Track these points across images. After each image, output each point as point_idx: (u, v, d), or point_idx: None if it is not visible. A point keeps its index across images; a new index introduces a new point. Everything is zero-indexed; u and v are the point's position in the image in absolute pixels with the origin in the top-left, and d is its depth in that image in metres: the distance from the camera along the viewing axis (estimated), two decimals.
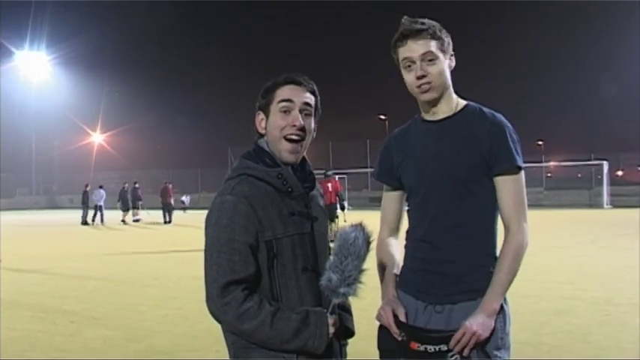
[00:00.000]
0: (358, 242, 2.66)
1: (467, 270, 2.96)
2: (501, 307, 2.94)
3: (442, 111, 3.07)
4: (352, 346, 3.11)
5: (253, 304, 2.56)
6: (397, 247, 3.27)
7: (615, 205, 44.91)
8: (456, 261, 2.97)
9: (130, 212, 38.53)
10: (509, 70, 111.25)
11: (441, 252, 3.02)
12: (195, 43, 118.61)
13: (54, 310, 10.58)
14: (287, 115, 2.77)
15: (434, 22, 3.03)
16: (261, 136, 2.85)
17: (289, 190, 2.73)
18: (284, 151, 2.78)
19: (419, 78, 2.97)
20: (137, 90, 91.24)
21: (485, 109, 3.08)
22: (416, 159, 3.11)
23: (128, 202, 38.30)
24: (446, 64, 3.03)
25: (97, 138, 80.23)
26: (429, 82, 2.97)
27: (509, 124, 3.03)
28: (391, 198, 3.30)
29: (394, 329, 2.96)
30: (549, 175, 59.29)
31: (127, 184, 39.46)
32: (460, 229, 2.99)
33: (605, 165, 47.17)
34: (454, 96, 3.11)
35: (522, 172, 3.00)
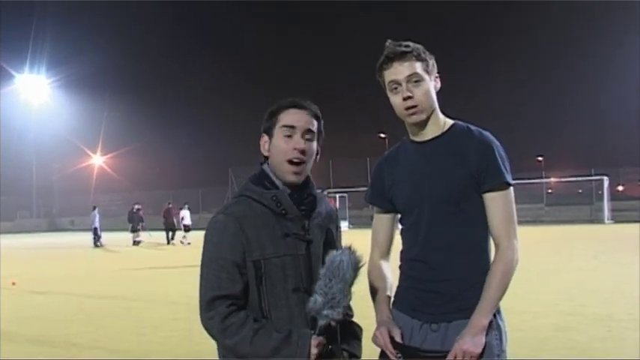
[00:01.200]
0: (343, 265, 2.66)
1: (461, 288, 2.97)
2: (496, 323, 2.95)
3: (430, 131, 3.09)
4: None
5: (237, 320, 2.65)
6: (389, 269, 3.27)
7: (616, 220, 44.92)
8: (451, 279, 2.98)
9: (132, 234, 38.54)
10: (508, 86, 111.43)
11: (435, 271, 3.03)
12: (196, 63, 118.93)
13: (54, 334, 10.54)
14: (289, 140, 2.83)
15: (418, 45, 3.07)
16: (266, 158, 2.92)
17: (283, 212, 2.78)
18: (286, 172, 2.84)
19: (405, 99, 3.00)
20: (137, 111, 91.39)
21: (473, 127, 3.10)
22: (407, 180, 3.13)
23: (137, 223, 38.17)
24: (431, 85, 3.06)
25: (98, 160, 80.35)
26: (415, 105, 3.00)
27: (496, 141, 3.05)
28: (383, 220, 3.33)
29: (390, 349, 2.98)
30: (550, 191, 59.25)
31: (136, 206, 39.28)
32: (453, 247, 3.00)
33: (606, 180, 47.22)
34: (441, 116, 3.12)
35: (511, 189, 3.01)
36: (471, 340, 2.82)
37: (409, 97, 2.99)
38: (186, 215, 38.38)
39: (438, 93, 3.12)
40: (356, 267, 2.70)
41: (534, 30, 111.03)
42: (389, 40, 3.09)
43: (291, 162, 2.82)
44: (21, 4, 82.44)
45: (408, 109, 3.01)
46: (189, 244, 33.75)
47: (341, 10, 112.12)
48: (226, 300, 2.68)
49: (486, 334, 2.88)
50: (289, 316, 2.74)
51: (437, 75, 3.10)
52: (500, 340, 2.97)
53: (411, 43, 3.05)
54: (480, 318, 2.87)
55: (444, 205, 3.00)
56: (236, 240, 2.71)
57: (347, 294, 2.68)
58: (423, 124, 3.07)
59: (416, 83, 3.00)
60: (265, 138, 2.89)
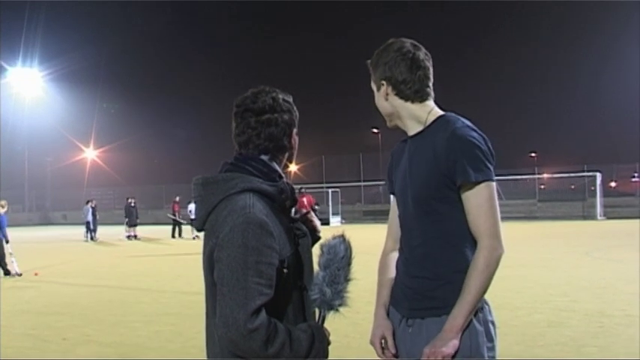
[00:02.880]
0: (348, 254, 2.70)
1: (433, 286, 2.93)
2: (474, 326, 2.89)
3: (412, 128, 3.08)
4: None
5: (273, 327, 2.48)
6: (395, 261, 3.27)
7: (609, 216, 44.99)
8: (424, 277, 2.96)
9: (126, 228, 38.53)
10: (502, 83, 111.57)
11: (411, 267, 3.03)
12: (190, 57, 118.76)
13: (46, 327, 10.53)
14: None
15: (373, 55, 3.13)
16: (259, 151, 2.77)
17: (287, 204, 2.72)
18: (290, 162, 2.91)
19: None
20: (131, 106, 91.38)
21: (453, 120, 2.99)
22: (398, 176, 3.16)
23: (134, 217, 38.08)
24: (379, 95, 3.12)
25: (91, 154, 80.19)
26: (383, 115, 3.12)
27: (470, 136, 2.89)
28: (394, 205, 3.31)
29: (391, 354, 3.02)
30: (543, 186, 59.32)
31: (132, 200, 39.16)
32: (427, 245, 2.97)
33: (599, 176, 47.26)
34: (418, 112, 3.06)
35: (485, 185, 2.87)
36: (442, 342, 2.79)
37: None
38: (193, 209, 38.20)
39: (435, 87, 3.10)
40: (352, 252, 2.74)
41: (528, 27, 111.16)
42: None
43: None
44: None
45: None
46: (197, 237, 33.54)
47: (334, 7, 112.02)
48: (265, 307, 2.47)
49: (461, 335, 2.84)
50: (294, 313, 2.69)
51: (383, 80, 3.07)
52: (474, 341, 2.89)
53: (370, 59, 3.14)
54: (455, 319, 2.82)
55: (418, 203, 2.98)
56: (272, 241, 2.52)
57: (348, 280, 2.70)
58: (403, 126, 3.13)
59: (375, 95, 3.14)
60: (294, 134, 2.85)
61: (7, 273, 18.34)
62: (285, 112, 2.76)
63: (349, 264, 2.70)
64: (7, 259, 18.62)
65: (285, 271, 2.58)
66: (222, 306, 2.45)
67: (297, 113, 2.85)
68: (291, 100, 2.84)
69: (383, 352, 3.06)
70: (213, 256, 2.55)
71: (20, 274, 18.26)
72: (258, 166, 2.70)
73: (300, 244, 2.77)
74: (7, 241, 18.71)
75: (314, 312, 2.79)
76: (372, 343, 3.11)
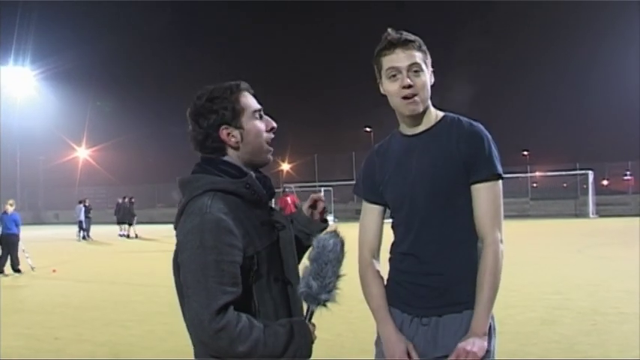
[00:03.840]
0: (337, 248, 2.66)
1: (452, 282, 2.94)
2: (491, 326, 2.94)
3: (422, 125, 3.07)
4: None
5: (244, 323, 2.43)
6: (380, 269, 3.23)
7: (601, 214, 45.13)
8: (442, 273, 2.96)
9: (119, 227, 38.54)
10: (493, 80, 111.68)
11: (426, 265, 3.00)
12: (185, 55, 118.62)
13: (39, 327, 10.51)
14: (262, 121, 2.79)
15: (412, 35, 3.04)
16: (222, 151, 2.75)
17: (257, 198, 2.69)
18: (265, 152, 2.80)
19: (405, 87, 2.95)
20: (124, 104, 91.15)
21: (463, 119, 3.08)
22: (399, 174, 3.10)
23: (131, 216, 38.10)
24: (428, 76, 3.03)
25: (83, 153, 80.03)
26: (414, 94, 2.96)
27: (486, 132, 3.02)
28: (373, 215, 3.27)
29: None
30: (535, 185, 59.46)
31: (127, 199, 39.16)
32: (444, 241, 2.97)
33: (591, 174, 47.42)
34: (432, 109, 3.09)
35: (499, 182, 2.98)
36: (476, 345, 2.79)
37: (410, 86, 2.95)
38: None
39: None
40: (343, 249, 2.70)
41: (520, 25, 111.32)
42: (390, 29, 3.06)
43: (267, 142, 2.80)
44: None
45: (406, 97, 2.97)
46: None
47: (328, 5, 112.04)
48: (232, 305, 2.44)
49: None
50: (274, 308, 2.65)
51: (432, 70, 3.07)
52: (490, 336, 2.94)
53: (413, 36, 3.03)
54: (482, 322, 2.85)
55: (434, 199, 2.97)
56: (233, 238, 2.49)
57: (338, 276, 2.66)
58: (418, 117, 3.04)
59: (416, 73, 2.96)
60: (229, 130, 2.72)
61: (14, 270, 18.79)
62: (212, 112, 2.70)
63: (339, 259, 2.67)
64: (21, 255, 19.20)
65: (254, 267, 2.56)
66: (189, 308, 2.47)
67: (232, 105, 2.72)
68: (220, 94, 2.73)
69: None
70: (178, 259, 2.56)
71: (33, 268, 19.01)
72: (217, 165, 2.71)
73: (280, 237, 2.75)
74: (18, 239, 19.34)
75: (302, 307, 2.77)
76: (391, 355, 3.02)
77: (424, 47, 3.04)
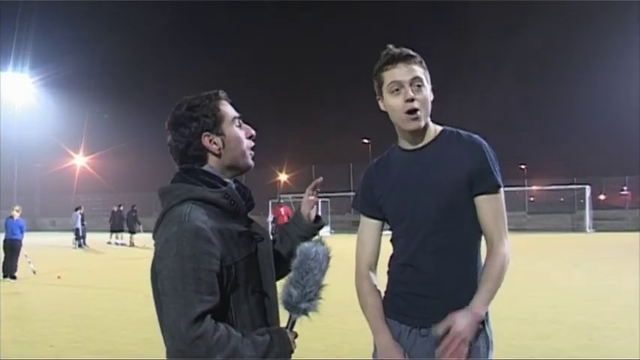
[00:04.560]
0: (319, 257, 2.67)
1: (452, 292, 2.96)
2: (485, 332, 2.95)
3: (422, 139, 3.11)
4: None
5: (222, 332, 2.43)
6: (378, 282, 3.25)
7: (598, 229, 45.15)
8: (442, 283, 2.98)
9: (114, 235, 38.55)
10: (491, 94, 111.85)
11: (426, 275, 3.02)
12: (184, 62, 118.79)
13: (33, 334, 10.49)
14: (241, 129, 2.81)
15: (412, 50, 3.10)
16: (199, 160, 2.75)
17: (236, 209, 2.68)
18: (248, 158, 2.81)
19: (408, 101, 2.98)
20: (122, 112, 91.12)
21: (462, 132, 3.13)
22: (400, 188, 3.12)
23: (134, 224, 38.14)
24: (429, 93, 3.07)
25: (80, 160, 79.93)
26: (417, 109, 2.98)
27: (486, 144, 3.07)
28: (370, 229, 3.29)
29: None
30: (532, 199, 59.55)
31: (121, 206, 39.21)
32: (445, 252, 2.99)
33: (588, 189, 47.44)
34: (431, 124, 3.13)
35: (501, 191, 3.04)
36: (469, 324, 2.79)
37: (412, 100, 2.98)
38: None
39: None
40: (329, 258, 2.72)
41: (517, 38, 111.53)
42: (390, 45, 3.10)
43: (249, 147, 2.82)
44: (4, 2, 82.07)
45: (409, 112, 3.00)
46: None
47: (327, 14, 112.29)
48: (209, 314, 2.43)
49: (474, 340, 2.88)
50: (251, 320, 2.63)
51: (431, 87, 3.11)
52: (488, 348, 2.96)
53: (412, 52, 3.08)
54: (480, 307, 2.87)
55: (438, 212, 3.00)
56: (210, 247, 2.48)
57: (321, 286, 2.67)
58: (419, 133, 3.08)
59: (418, 88, 3.01)
60: (211, 137, 2.73)
61: (10, 276, 18.91)
62: (193, 120, 2.71)
63: (322, 268, 2.67)
64: (23, 260, 19.47)
65: (232, 276, 2.56)
66: (166, 317, 2.47)
67: (213, 112, 2.74)
68: (200, 102, 2.75)
69: None
70: (155, 267, 2.56)
71: (34, 272, 19.46)
72: (197, 175, 2.70)
73: (258, 249, 2.74)
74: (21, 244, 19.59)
75: (278, 318, 2.77)
76: None
77: (424, 63, 3.08)
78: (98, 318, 11.95)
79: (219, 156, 2.73)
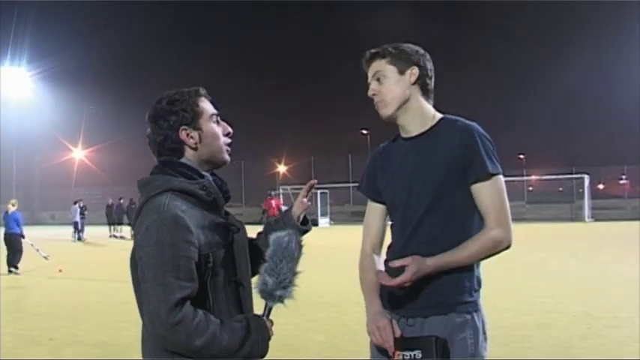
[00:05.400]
0: (291, 245, 2.72)
1: (440, 283, 2.95)
2: (473, 322, 2.93)
3: (415, 127, 3.13)
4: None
5: (200, 318, 2.51)
6: (380, 261, 3.26)
7: (597, 218, 45.16)
8: (429, 274, 2.97)
9: (113, 228, 38.66)
10: (490, 84, 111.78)
11: None
12: (181, 56, 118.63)
13: (33, 328, 10.51)
14: (218, 125, 2.86)
15: (390, 45, 3.16)
16: (177, 153, 2.80)
17: (213, 200, 2.74)
18: (224, 153, 2.86)
19: (371, 96, 3.15)
20: (121, 105, 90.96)
21: (460, 120, 3.12)
22: (396, 176, 3.16)
23: (114, 218, 38.25)
24: (401, 79, 3.12)
25: (79, 154, 79.91)
26: (380, 100, 3.12)
27: (481, 131, 3.06)
28: (375, 211, 3.33)
29: (390, 344, 2.93)
30: (531, 188, 59.42)
31: (122, 200, 39.33)
32: (435, 243, 2.99)
33: (587, 178, 47.44)
34: (426, 111, 3.15)
35: (498, 178, 3.01)
36: (417, 269, 2.87)
37: (373, 94, 3.14)
38: None
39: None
40: (301, 247, 2.77)
41: (515, 29, 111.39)
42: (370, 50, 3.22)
43: (226, 144, 2.87)
44: None
45: (375, 104, 3.16)
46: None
47: (326, 7, 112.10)
48: (187, 300, 2.50)
49: (461, 331, 2.88)
50: (227, 308, 2.69)
51: (413, 66, 3.13)
52: (477, 339, 2.94)
53: (386, 46, 3.16)
54: (431, 260, 2.90)
55: (430, 201, 3.01)
56: (189, 235, 2.55)
57: (295, 273, 2.71)
58: (402, 120, 3.15)
59: (379, 81, 3.13)
60: (188, 131, 2.77)
61: (14, 268, 19.03)
62: (172, 114, 2.76)
63: (294, 256, 2.72)
64: (30, 250, 19.71)
65: (209, 265, 2.62)
66: (147, 303, 2.54)
67: (192, 109, 2.79)
68: (180, 97, 2.80)
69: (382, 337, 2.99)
70: (135, 256, 2.64)
71: (46, 257, 19.84)
72: (175, 167, 2.76)
73: (234, 240, 2.80)
74: (22, 237, 19.67)
75: (252, 308, 2.83)
76: (373, 330, 3.04)
77: (393, 50, 3.14)
78: (97, 311, 11.97)
79: (195, 149, 2.79)
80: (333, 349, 8.26)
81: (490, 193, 2.97)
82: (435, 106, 3.19)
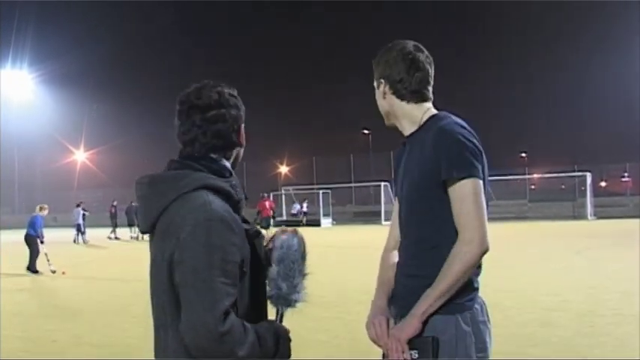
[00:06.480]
0: (300, 248, 2.67)
1: (424, 284, 2.89)
2: (460, 328, 2.88)
3: (407, 128, 3.13)
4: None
5: (241, 326, 2.36)
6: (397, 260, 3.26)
7: (599, 216, 45.13)
8: (416, 275, 2.96)
9: (132, 229, 38.83)
10: (492, 82, 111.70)
11: (405, 266, 3.06)
12: (183, 57, 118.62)
13: (36, 330, 10.51)
14: None
15: (383, 49, 3.18)
16: (230, 149, 2.68)
17: (239, 200, 2.58)
18: (237, 162, 2.78)
19: None
20: (120, 108, 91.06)
21: (441, 117, 3.05)
22: (398, 175, 3.19)
23: (134, 219, 38.30)
24: (378, 94, 3.19)
25: (81, 156, 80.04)
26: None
27: (456, 131, 2.92)
28: (397, 207, 3.30)
29: (385, 340, 2.91)
30: (533, 187, 59.45)
31: (133, 202, 39.40)
32: (421, 244, 2.98)
33: (589, 176, 47.43)
34: (413, 113, 3.10)
35: (468, 181, 2.85)
36: (400, 326, 2.85)
37: None
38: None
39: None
40: (305, 248, 2.72)
41: (518, 27, 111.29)
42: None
43: None
44: (3, 0, 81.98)
45: None
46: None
47: (327, 7, 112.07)
48: (233, 307, 2.35)
49: (444, 333, 2.84)
50: (251, 314, 2.52)
51: (382, 78, 3.13)
52: (462, 341, 2.87)
53: (379, 53, 3.18)
54: (418, 307, 2.84)
55: (411, 202, 3.02)
56: (235, 238, 2.40)
57: (304, 275, 2.67)
58: (399, 125, 3.18)
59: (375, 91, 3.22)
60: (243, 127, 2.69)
61: (34, 271, 19.48)
62: (232, 107, 2.63)
63: (303, 258, 2.66)
64: (43, 258, 19.67)
65: (244, 270, 2.46)
66: (189, 310, 2.32)
67: (244, 107, 2.71)
68: (236, 93, 2.69)
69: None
70: (174, 258, 2.39)
71: (54, 271, 19.14)
72: (208, 164, 2.57)
73: (255, 244, 2.61)
74: (41, 242, 20.19)
75: (267, 311, 2.72)
76: (369, 326, 3.03)
77: (376, 61, 3.17)
78: (101, 312, 11.97)
79: (240, 148, 2.73)
80: (336, 349, 8.26)
81: (457, 197, 2.86)
82: (435, 102, 3.16)
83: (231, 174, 2.63)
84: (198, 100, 2.59)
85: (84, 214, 37.43)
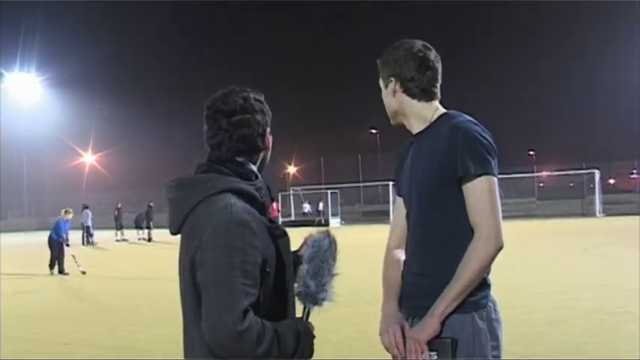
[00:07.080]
0: (332, 248, 2.70)
1: (437, 284, 2.88)
2: (476, 325, 2.88)
3: (415, 126, 3.12)
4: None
5: (261, 325, 2.41)
6: (403, 255, 3.23)
7: (608, 213, 45.06)
8: (428, 275, 2.95)
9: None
10: (500, 81, 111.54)
11: (416, 265, 3.04)
12: (191, 59, 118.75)
13: (46, 332, 10.54)
14: None
15: (388, 49, 3.17)
16: (256, 154, 2.74)
17: (264, 203, 2.65)
18: (264, 166, 2.82)
19: None
20: (128, 110, 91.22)
21: (454, 115, 3.05)
22: (405, 173, 3.16)
23: (151, 220, 38.33)
24: (386, 93, 3.17)
25: (89, 158, 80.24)
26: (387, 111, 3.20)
27: (472, 129, 2.93)
28: (400, 206, 3.29)
29: (401, 349, 2.90)
30: (541, 185, 59.39)
31: (151, 203, 39.44)
32: (432, 243, 2.97)
33: (597, 174, 47.30)
34: (423, 112, 3.10)
35: (485, 178, 2.88)
36: (419, 328, 2.84)
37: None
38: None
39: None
40: (337, 248, 2.74)
41: (526, 25, 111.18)
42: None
43: None
44: (10, 3, 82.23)
45: None
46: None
47: (333, 7, 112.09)
48: (254, 307, 2.41)
49: (461, 332, 2.84)
50: (274, 313, 2.58)
51: (392, 77, 3.12)
52: (478, 340, 2.86)
53: (386, 51, 3.17)
54: (436, 307, 2.84)
55: (423, 200, 2.99)
56: (256, 240, 2.46)
57: (333, 275, 2.69)
58: (407, 124, 3.17)
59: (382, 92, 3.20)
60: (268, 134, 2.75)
61: (63, 272, 20.14)
62: (257, 112, 2.70)
63: (334, 258, 2.69)
64: (71, 260, 20.24)
65: (267, 270, 2.51)
66: (209, 309, 2.39)
67: (270, 113, 2.77)
68: (262, 99, 2.77)
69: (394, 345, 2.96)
70: (196, 259, 2.47)
71: (84, 272, 19.63)
72: (234, 167, 2.64)
73: (279, 244, 2.66)
74: (67, 244, 21.06)
75: (294, 311, 2.75)
76: (384, 334, 3.02)
77: (379, 64, 3.18)
78: (110, 314, 12.01)
79: (266, 151, 2.79)
80: (347, 349, 8.26)
81: (475, 195, 2.87)
82: (442, 101, 3.16)
83: (257, 177, 2.69)
84: (224, 106, 2.68)
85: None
